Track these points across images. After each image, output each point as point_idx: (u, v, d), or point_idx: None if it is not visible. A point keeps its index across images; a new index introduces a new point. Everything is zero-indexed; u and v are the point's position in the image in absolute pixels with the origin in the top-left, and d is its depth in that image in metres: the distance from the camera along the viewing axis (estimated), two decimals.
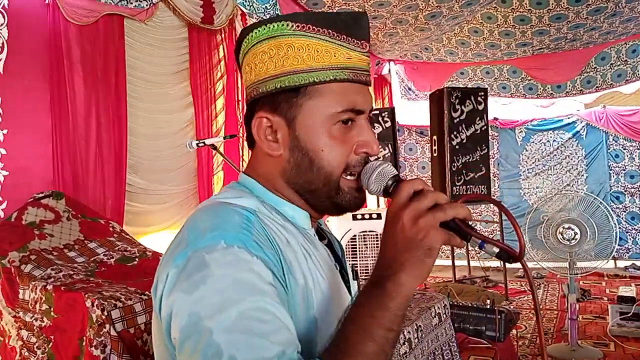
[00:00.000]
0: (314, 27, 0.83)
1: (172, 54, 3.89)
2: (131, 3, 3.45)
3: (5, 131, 2.88)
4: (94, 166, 3.31)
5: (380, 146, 4.61)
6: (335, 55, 0.83)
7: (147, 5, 3.54)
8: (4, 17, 2.89)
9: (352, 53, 0.84)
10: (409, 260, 0.72)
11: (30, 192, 2.83)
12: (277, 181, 0.87)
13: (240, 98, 4.37)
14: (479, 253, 6.51)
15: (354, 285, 0.97)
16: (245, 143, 0.98)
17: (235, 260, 0.71)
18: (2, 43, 2.89)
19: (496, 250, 0.75)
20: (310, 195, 0.87)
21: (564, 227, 3.70)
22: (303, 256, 0.83)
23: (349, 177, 0.86)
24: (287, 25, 0.83)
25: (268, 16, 4.21)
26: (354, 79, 0.85)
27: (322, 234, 0.96)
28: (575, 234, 3.68)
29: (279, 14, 4.28)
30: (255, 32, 0.85)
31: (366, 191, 0.87)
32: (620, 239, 6.50)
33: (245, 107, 0.92)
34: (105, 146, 3.38)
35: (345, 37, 0.84)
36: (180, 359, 0.71)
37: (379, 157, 5.35)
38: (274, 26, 0.84)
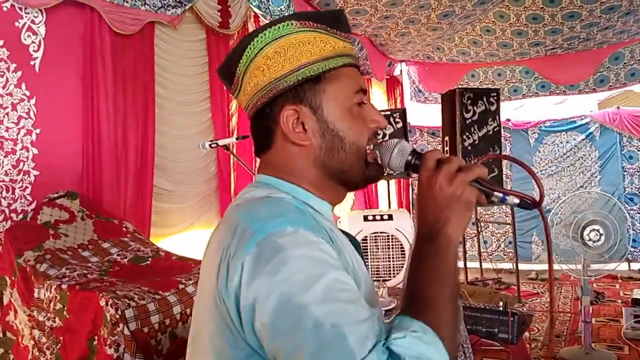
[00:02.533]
0: (312, 23, 0.91)
1: (193, 57, 3.96)
2: (168, 10, 3.51)
3: (38, 130, 2.91)
4: (124, 166, 3.35)
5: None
6: (336, 46, 0.93)
7: (180, 11, 3.61)
8: (42, 14, 2.92)
9: (345, 44, 0.94)
10: (453, 215, 0.82)
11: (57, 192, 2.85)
12: (307, 171, 0.92)
13: None
14: (491, 255, 6.48)
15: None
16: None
17: (306, 241, 0.77)
18: (40, 41, 2.92)
19: (517, 201, 0.84)
20: (343, 174, 0.93)
21: (592, 229, 3.65)
22: (345, 241, 0.90)
23: (369, 151, 0.95)
24: (292, 24, 0.90)
25: None
26: (356, 65, 0.96)
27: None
28: (601, 235, 3.64)
29: None
30: (260, 37, 0.90)
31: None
32: (634, 240, 6.43)
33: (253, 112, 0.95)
34: (132, 147, 3.41)
35: (335, 31, 0.93)
36: (275, 343, 0.72)
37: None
38: (279, 27, 0.90)
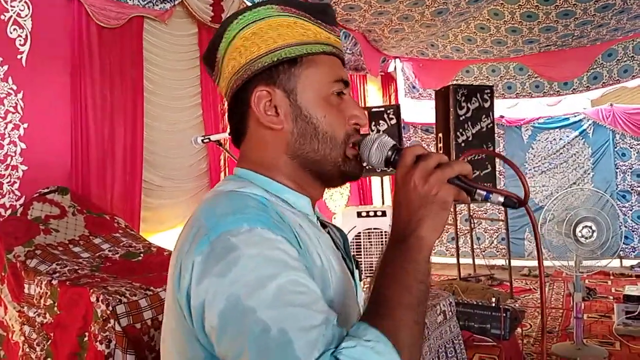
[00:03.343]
0: (294, 10, 0.88)
1: (184, 52, 3.93)
2: (157, 5, 3.48)
3: (25, 125, 2.89)
4: (113, 161, 3.33)
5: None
6: (318, 34, 0.89)
7: (169, 6, 3.58)
8: (28, 7, 2.90)
9: (329, 34, 0.91)
10: (426, 216, 0.77)
11: (48, 187, 2.83)
12: (279, 161, 0.89)
13: None
14: (484, 251, 6.50)
15: (356, 273, 0.99)
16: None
17: (262, 240, 0.73)
18: (26, 35, 2.90)
19: (501, 199, 0.79)
20: (316, 166, 0.89)
21: (584, 226, 3.66)
22: (315, 239, 0.85)
23: (350, 147, 0.90)
24: (273, 8, 0.87)
25: None
26: (338, 55, 0.92)
27: (323, 224, 0.97)
28: (593, 231, 3.65)
29: None
30: (240, 19, 0.88)
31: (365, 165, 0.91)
32: (626, 237, 6.47)
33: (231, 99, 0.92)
34: (121, 142, 3.40)
35: (318, 21, 0.90)
36: (222, 346, 0.70)
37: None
38: (259, 10, 0.87)
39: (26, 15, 2.89)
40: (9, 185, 2.80)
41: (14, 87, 2.83)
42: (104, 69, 3.28)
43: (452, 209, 0.85)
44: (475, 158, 5.07)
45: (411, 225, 0.77)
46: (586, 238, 3.65)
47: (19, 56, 2.87)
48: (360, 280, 1.00)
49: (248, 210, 0.77)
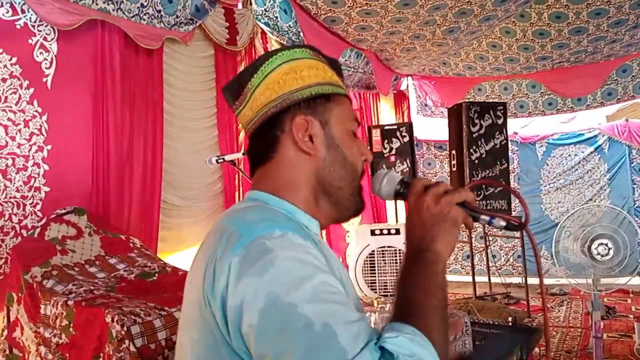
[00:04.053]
0: (321, 56, 1.02)
1: (201, 74, 4.01)
2: (181, 27, 3.56)
3: (49, 147, 2.93)
4: (132, 182, 3.37)
5: (398, 160, 4.60)
6: (337, 80, 1.02)
7: (191, 28, 3.67)
8: (54, 31, 2.96)
9: (340, 81, 1.03)
10: (439, 233, 0.86)
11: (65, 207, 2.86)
12: (304, 183, 0.96)
13: None
14: (499, 269, 6.42)
15: None
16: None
17: (294, 244, 0.78)
18: (52, 58, 2.96)
19: (503, 223, 0.87)
20: (338, 193, 0.97)
21: (600, 243, 3.61)
22: (330, 254, 0.91)
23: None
24: (307, 51, 1.00)
25: (290, 33, 4.30)
26: (350, 101, 1.04)
27: None
28: (610, 248, 3.60)
29: (300, 31, 4.36)
30: (279, 55, 0.97)
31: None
32: None
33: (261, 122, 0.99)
34: (141, 162, 3.45)
35: (334, 71, 1.03)
36: (261, 344, 0.72)
37: (397, 164, 5.34)
38: (295, 51, 0.99)
39: (52, 39, 2.95)
40: (31, 207, 2.84)
41: (39, 110, 2.89)
42: (125, 90, 3.33)
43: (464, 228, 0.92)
44: (490, 174, 5.05)
45: (426, 241, 0.86)
46: (602, 255, 3.60)
47: (44, 79, 2.93)
48: None
49: (277, 218, 0.85)
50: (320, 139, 0.95)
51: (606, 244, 3.61)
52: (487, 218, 0.87)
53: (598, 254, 3.63)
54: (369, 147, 4.80)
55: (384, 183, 0.96)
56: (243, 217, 0.85)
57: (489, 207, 4.98)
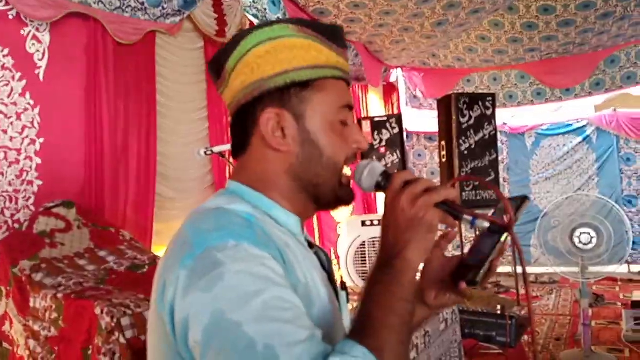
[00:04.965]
0: (309, 30, 0.89)
1: (191, 65, 4.00)
2: (167, 19, 3.53)
3: (41, 140, 2.90)
4: (126, 175, 3.36)
5: (388, 152, 4.60)
6: (329, 57, 0.90)
7: (178, 19, 3.64)
8: (46, 22, 2.91)
9: (339, 58, 0.91)
10: (413, 238, 0.79)
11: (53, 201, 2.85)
12: (278, 179, 0.89)
13: None
14: None
15: (342, 295, 0.98)
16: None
17: (248, 256, 0.73)
18: (44, 50, 2.92)
19: (487, 224, 0.81)
20: (315, 190, 0.90)
21: (581, 232, 3.64)
22: (301, 258, 0.85)
23: (345, 172, 0.92)
24: (289, 27, 0.88)
25: None
26: (346, 79, 0.93)
27: (310, 244, 0.97)
28: (592, 237, 3.64)
29: None
30: (256, 34, 0.88)
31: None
32: (634, 242, 6.42)
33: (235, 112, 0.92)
34: (135, 155, 3.43)
35: (331, 44, 0.90)
36: None
37: (387, 155, 5.34)
38: (274, 28, 0.88)
39: (44, 30, 2.91)
40: (24, 201, 2.82)
41: (31, 102, 2.86)
42: (119, 83, 3.31)
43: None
44: (479, 165, 5.07)
45: (398, 247, 0.79)
46: (584, 244, 3.63)
47: (36, 71, 2.89)
48: (348, 302, 1.01)
49: (233, 226, 0.77)
50: (293, 134, 0.87)
51: (588, 233, 3.64)
52: (470, 218, 0.81)
53: (580, 242, 3.66)
54: None
55: (364, 174, 0.89)
56: (200, 224, 0.79)
57: (478, 198, 5.00)
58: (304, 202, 0.91)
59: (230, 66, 0.89)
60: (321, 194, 0.90)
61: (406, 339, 0.76)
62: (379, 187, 0.88)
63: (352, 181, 0.93)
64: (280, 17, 4.37)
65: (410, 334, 0.78)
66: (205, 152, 2.86)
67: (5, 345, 2.41)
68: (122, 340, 1.97)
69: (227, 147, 3.01)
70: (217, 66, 0.92)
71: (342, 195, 0.92)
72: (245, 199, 0.87)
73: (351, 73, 1.01)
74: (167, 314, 0.74)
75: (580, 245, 3.64)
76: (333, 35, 0.91)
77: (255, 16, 4.26)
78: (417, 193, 0.80)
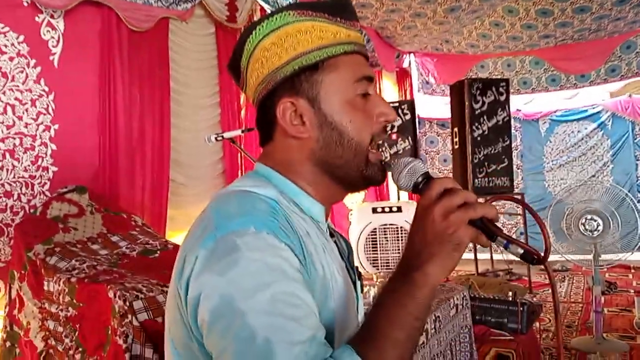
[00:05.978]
0: (311, 12, 0.87)
1: (203, 51, 4.00)
2: (179, 5, 3.54)
3: (56, 126, 2.93)
4: (141, 161, 3.39)
5: (400, 138, 4.55)
6: (337, 33, 0.88)
7: (190, 6, 3.64)
8: (61, 10, 2.93)
9: (349, 31, 0.89)
10: (438, 253, 0.75)
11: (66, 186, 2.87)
12: (302, 166, 0.89)
13: None
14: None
15: (358, 284, 0.98)
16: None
17: (266, 246, 0.73)
18: (59, 36, 2.93)
19: (520, 251, 0.77)
20: (339, 171, 0.88)
21: (586, 218, 3.62)
22: (321, 248, 0.85)
23: (374, 151, 0.89)
24: (289, 14, 0.87)
25: None
26: (360, 51, 0.90)
27: (331, 232, 0.97)
28: (598, 225, 3.61)
29: None
30: (258, 29, 0.88)
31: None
32: None
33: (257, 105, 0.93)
34: (149, 141, 3.45)
35: (339, 19, 0.88)
36: (209, 340, 0.72)
37: (399, 142, 5.31)
38: (276, 18, 0.87)
39: (59, 17, 2.93)
40: (39, 187, 2.85)
41: (46, 89, 2.88)
42: (132, 70, 3.33)
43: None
44: (492, 151, 5.03)
45: (420, 259, 0.76)
46: (591, 231, 3.60)
47: (51, 57, 2.91)
48: (362, 291, 1.00)
49: (257, 212, 0.77)
50: (310, 119, 0.86)
51: (594, 220, 3.61)
52: (504, 242, 0.76)
53: (586, 229, 3.64)
54: None
55: (403, 172, 0.84)
56: (225, 206, 0.80)
57: (490, 185, 4.97)
58: (329, 186, 0.90)
59: (244, 65, 0.91)
60: (346, 175, 0.89)
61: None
62: (416, 188, 0.84)
63: (383, 160, 0.90)
64: (291, 2, 4.34)
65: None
66: (215, 138, 2.86)
67: (15, 328, 2.45)
68: (135, 322, 1.99)
69: (237, 132, 3.01)
70: (234, 68, 0.94)
71: (369, 174, 0.89)
72: (273, 182, 0.88)
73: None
74: (183, 291, 0.76)
75: (586, 233, 3.61)
76: (338, 10, 0.88)
77: (265, 1, 4.24)
78: (452, 206, 0.75)
